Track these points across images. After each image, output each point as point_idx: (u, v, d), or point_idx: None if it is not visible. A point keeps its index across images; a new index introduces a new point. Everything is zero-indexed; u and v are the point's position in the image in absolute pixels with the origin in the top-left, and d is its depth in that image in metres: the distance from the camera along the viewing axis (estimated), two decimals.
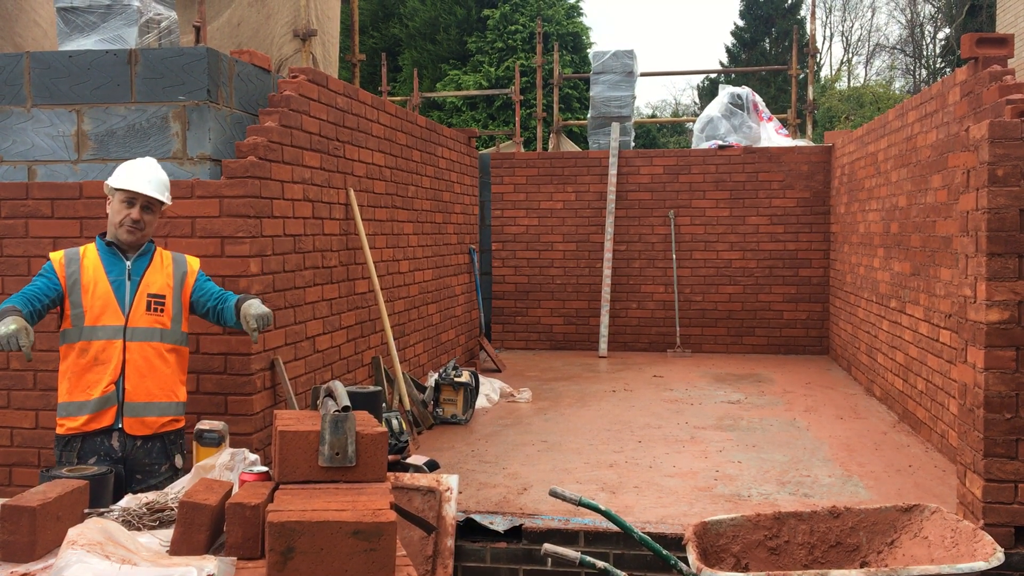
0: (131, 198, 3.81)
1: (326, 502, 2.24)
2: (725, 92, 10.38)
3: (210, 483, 2.42)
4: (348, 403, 2.50)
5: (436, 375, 6.87)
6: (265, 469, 2.57)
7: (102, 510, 2.44)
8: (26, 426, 4.75)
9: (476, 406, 6.91)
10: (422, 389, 6.75)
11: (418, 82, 13.27)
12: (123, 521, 2.39)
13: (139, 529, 2.39)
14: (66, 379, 3.78)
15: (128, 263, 3.83)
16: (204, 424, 2.87)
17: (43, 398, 4.71)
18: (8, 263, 4.74)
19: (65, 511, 2.28)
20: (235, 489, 2.49)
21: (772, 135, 10.14)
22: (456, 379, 6.65)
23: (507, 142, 13.88)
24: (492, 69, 19.71)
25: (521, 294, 10.09)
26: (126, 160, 4.73)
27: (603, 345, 9.59)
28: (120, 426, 3.74)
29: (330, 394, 2.74)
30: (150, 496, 2.61)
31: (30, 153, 4.85)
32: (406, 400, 6.23)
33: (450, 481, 4.46)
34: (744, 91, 10.30)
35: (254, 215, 4.63)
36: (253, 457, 2.77)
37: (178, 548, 2.22)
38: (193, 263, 4.06)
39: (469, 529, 4.43)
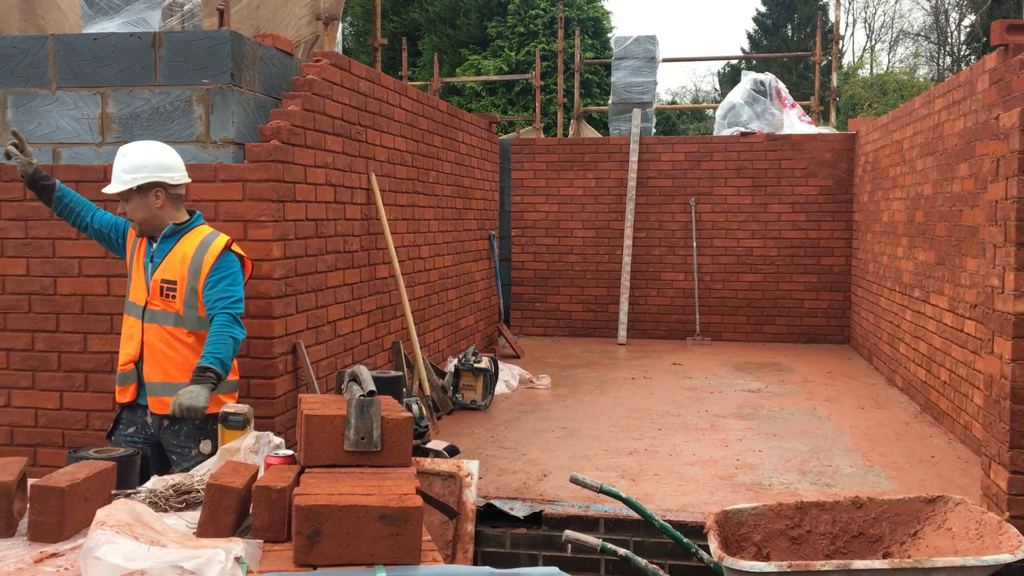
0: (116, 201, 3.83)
1: (352, 486, 2.24)
2: (748, 78, 10.29)
3: (236, 466, 2.43)
4: (374, 388, 2.50)
5: (456, 361, 6.88)
6: (290, 453, 2.58)
7: (129, 491, 2.46)
8: (50, 407, 4.79)
9: (495, 392, 6.91)
10: (441, 375, 6.76)
11: (438, 67, 13.22)
12: (150, 503, 2.41)
13: (166, 511, 2.40)
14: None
15: (154, 246, 3.84)
16: (229, 407, 2.88)
17: (67, 379, 4.75)
18: (33, 245, 4.78)
19: (93, 492, 2.29)
20: (261, 472, 2.50)
21: (795, 122, 10.05)
22: (476, 365, 6.65)
23: (527, 128, 13.82)
24: (512, 54, 19.62)
25: (540, 280, 10.07)
26: None
27: (622, 332, 9.57)
28: (145, 404, 3.80)
29: (354, 378, 2.74)
30: (176, 478, 2.62)
31: (55, 135, 4.87)
32: (426, 385, 6.24)
33: (470, 467, 4.47)
34: (767, 77, 10.21)
35: (277, 199, 4.64)
36: (278, 440, 2.78)
37: (205, 530, 2.23)
38: (212, 254, 3.76)
39: (489, 515, 4.44)
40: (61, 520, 2.17)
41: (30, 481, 2.30)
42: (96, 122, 4.82)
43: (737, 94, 10.26)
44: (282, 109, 4.95)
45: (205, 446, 3.68)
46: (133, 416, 3.85)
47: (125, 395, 3.83)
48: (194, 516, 2.37)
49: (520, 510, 4.42)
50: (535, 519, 4.41)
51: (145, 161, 3.76)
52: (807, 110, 10.94)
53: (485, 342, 8.98)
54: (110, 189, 3.77)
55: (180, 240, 3.82)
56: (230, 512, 2.24)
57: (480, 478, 4.58)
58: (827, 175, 9.46)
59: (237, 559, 2.00)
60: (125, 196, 3.75)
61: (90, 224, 4.01)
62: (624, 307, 9.61)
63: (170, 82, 4.74)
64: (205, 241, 3.82)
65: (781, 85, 10.31)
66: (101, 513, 2.04)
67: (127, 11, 5.34)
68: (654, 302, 9.82)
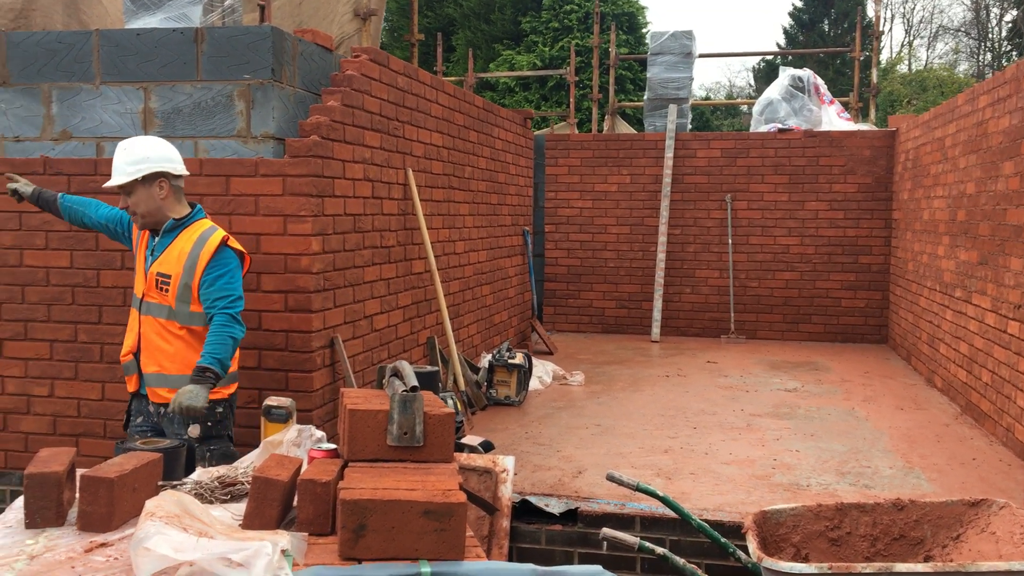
0: (117, 193, 3.87)
1: (396, 481, 2.25)
2: (786, 74, 10.18)
3: (281, 459, 2.45)
4: (416, 383, 2.50)
5: (490, 356, 6.88)
6: (333, 447, 2.60)
7: (175, 483, 2.49)
8: (93, 397, 4.86)
9: (529, 388, 6.91)
10: (476, 370, 6.77)
11: (472, 62, 13.22)
12: (195, 494, 2.43)
13: (211, 502, 2.43)
14: None
15: (155, 240, 3.89)
16: (272, 400, 2.91)
17: (109, 370, 4.81)
18: (77, 237, 4.84)
19: (141, 483, 2.32)
20: (304, 466, 2.52)
21: (834, 119, 9.93)
22: (510, 361, 6.66)
23: (561, 123, 13.79)
24: (546, 49, 19.58)
25: (573, 277, 10.05)
26: (192, 137, 4.84)
27: (656, 329, 9.52)
28: (144, 393, 3.89)
29: (395, 373, 2.75)
30: (221, 470, 2.65)
31: (98, 130, 4.93)
32: (461, 381, 6.26)
33: (506, 462, 4.47)
34: (805, 74, 10.10)
35: (316, 194, 4.66)
36: (320, 434, 2.80)
37: (250, 522, 2.25)
38: (207, 250, 3.78)
39: (524, 510, 4.44)
40: (110, 510, 2.20)
41: (78, 471, 2.34)
42: (139, 116, 4.87)
43: (774, 90, 10.15)
44: (322, 104, 4.98)
45: (193, 430, 3.71)
46: (140, 406, 3.94)
47: (130, 385, 3.95)
48: (239, 508, 2.39)
49: (556, 507, 4.41)
50: (571, 516, 4.40)
51: (148, 153, 3.82)
52: (845, 106, 10.80)
53: (518, 338, 8.98)
54: (115, 181, 3.78)
55: (179, 235, 3.86)
56: (275, 505, 2.25)
57: (515, 474, 4.58)
58: (866, 172, 9.34)
59: (283, 552, 2.01)
60: (129, 188, 3.78)
61: (95, 219, 4.15)
62: (658, 304, 9.57)
63: (212, 77, 4.79)
64: (202, 237, 3.83)
65: (820, 81, 10.19)
66: (150, 504, 2.07)
67: (169, 6, 5.40)
68: (688, 299, 9.76)
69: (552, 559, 4.34)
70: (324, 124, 4.80)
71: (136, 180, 3.76)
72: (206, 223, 3.92)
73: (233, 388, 3.96)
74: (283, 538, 2.06)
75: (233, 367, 3.91)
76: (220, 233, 3.85)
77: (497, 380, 6.67)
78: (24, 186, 4.17)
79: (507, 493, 4.33)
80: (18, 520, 2.26)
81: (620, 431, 5.80)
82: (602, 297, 9.99)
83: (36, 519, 2.21)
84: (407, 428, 2.43)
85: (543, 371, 7.43)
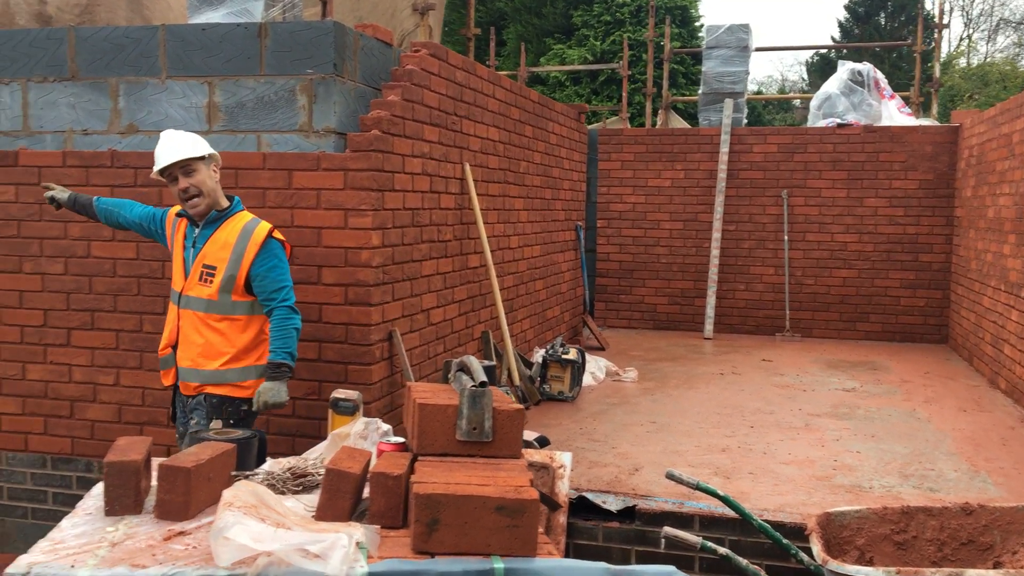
0: (171, 176, 3.86)
1: (467, 476, 2.25)
2: (845, 68, 10.00)
3: (351, 451, 2.47)
4: (485, 379, 2.50)
5: (543, 351, 6.88)
6: (401, 440, 2.61)
7: (248, 473, 2.52)
8: (157, 387, 4.93)
9: (582, 384, 6.88)
10: (529, 365, 6.77)
11: (524, 56, 13.19)
12: (268, 485, 2.46)
13: (283, 493, 2.45)
14: None
15: (196, 231, 3.92)
16: (340, 393, 2.93)
17: None
18: None
19: (216, 472, 2.36)
20: (373, 459, 2.53)
21: (894, 114, 9.73)
22: (564, 356, 6.64)
23: (613, 118, 13.71)
24: (598, 43, 19.47)
25: (625, 272, 9.99)
26: (255, 132, 4.89)
27: (708, 326, 9.43)
28: (177, 385, 3.95)
29: (462, 368, 2.76)
30: (291, 461, 2.68)
31: (164, 123, 5.00)
32: (515, 375, 6.26)
33: (563, 458, 4.46)
34: (865, 67, 9.90)
35: (377, 188, 4.69)
36: (386, 427, 2.81)
37: (323, 514, 2.27)
38: (255, 241, 3.83)
39: (581, 507, 4.42)
40: (187, 499, 2.23)
41: (156, 460, 2.38)
42: (203, 111, 4.94)
43: (833, 84, 9.97)
44: (383, 99, 5.00)
45: (216, 424, 3.70)
46: (182, 400, 3.99)
47: (167, 379, 4.00)
48: (310, 499, 2.42)
49: (613, 504, 4.39)
50: (628, 513, 4.38)
51: (199, 138, 3.92)
52: (906, 101, 10.57)
53: (570, 333, 8.96)
54: (183, 155, 3.78)
55: (221, 226, 3.90)
56: (348, 497, 2.27)
57: (571, 470, 4.56)
58: (927, 169, 9.14)
59: (358, 544, 2.03)
60: (193, 167, 3.81)
61: (130, 219, 4.21)
62: (711, 300, 9.47)
63: (275, 72, 4.83)
64: (247, 228, 3.87)
65: (880, 75, 9.99)
66: (227, 494, 2.09)
67: (231, 1, 5.46)
68: (742, 296, 9.65)
69: (609, 556, 4.32)
70: (385, 119, 4.82)
71: (202, 157, 3.83)
72: (247, 215, 3.98)
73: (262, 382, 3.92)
74: (357, 530, 2.08)
75: (264, 360, 3.88)
76: (265, 225, 3.91)
77: (551, 375, 6.66)
78: (60, 192, 4.27)
79: (564, 489, 4.32)
80: (97, 507, 2.31)
81: (675, 429, 5.75)
82: (654, 293, 9.92)
83: (115, 506, 2.25)
84: (476, 423, 2.44)
85: (596, 367, 7.40)
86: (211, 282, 3.81)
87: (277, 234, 3.94)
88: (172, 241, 4.05)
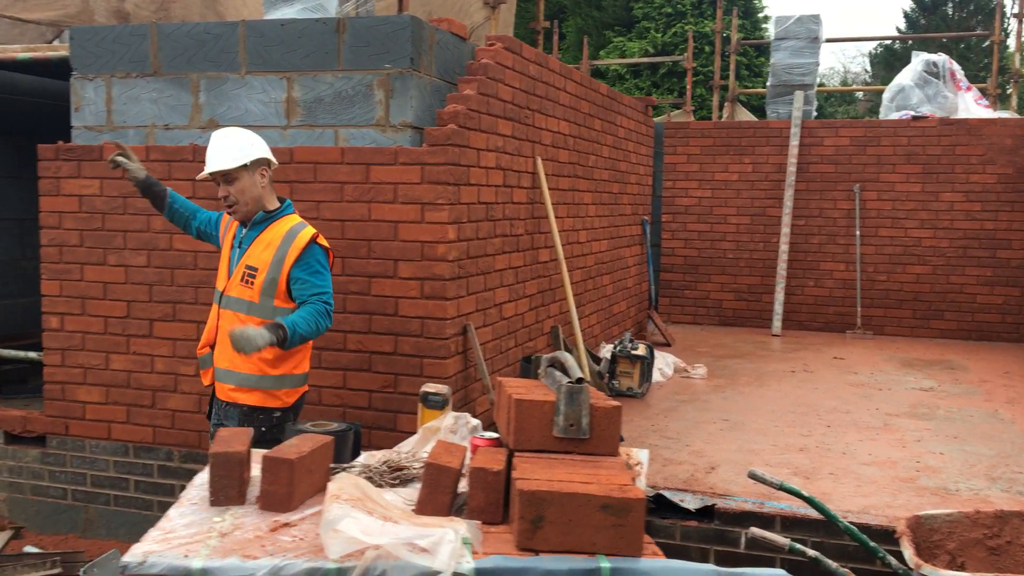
0: (215, 179, 3.80)
1: (568, 473, 2.23)
2: (919, 59, 9.73)
3: (448, 446, 2.46)
4: (581, 375, 2.48)
5: (611, 347, 6.83)
6: (495, 435, 2.60)
7: (345, 466, 2.53)
8: None
9: (651, 380, 6.82)
10: (597, 360, 6.73)
11: (586, 49, 13.11)
12: (366, 477, 2.47)
13: (381, 486, 2.46)
14: None
15: (243, 231, 3.87)
16: (430, 387, 2.94)
17: None
18: None
19: (316, 464, 2.37)
20: (467, 453, 2.53)
21: (971, 106, 9.45)
22: (633, 352, 6.59)
23: (676, 111, 13.56)
24: (658, 35, 19.27)
25: (690, 267, 9.88)
26: (332, 126, 4.93)
27: (776, 323, 9.28)
28: (214, 386, 3.90)
29: (553, 364, 2.74)
30: (385, 454, 2.68)
31: (243, 118, 5.06)
32: (586, 371, 6.22)
33: (640, 456, 4.38)
34: (940, 59, 9.63)
35: (453, 182, 4.69)
36: (475, 422, 2.81)
37: (423, 508, 2.27)
38: (296, 246, 3.74)
39: (657, 505, 4.38)
40: (290, 490, 2.25)
41: (261, 452, 2.40)
42: (282, 106, 4.99)
43: (906, 76, 9.72)
44: (458, 93, 5.00)
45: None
46: (215, 400, 3.92)
47: (205, 378, 3.94)
48: (407, 492, 2.42)
49: (691, 503, 4.34)
50: (706, 512, 4.32)
51: (251, 140, 3.82)
52: (983, 93, 10.26)
53: (635, 329, 8.89)
54: (222, 165, 3.70)
55: (268, 227, 3.82)
56: (447, 491, 2.27)
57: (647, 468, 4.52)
58: (1007, 162, 8.86)
59: (463, 539, 2.02)
60: (235, 175, 3.73)
61: (196, 225, 4.13)
62: (779, 297, 9.31)
63: (352, 67, 4.86)
64: (292, 232, 3.78)
65: (956, 66, 9.71)
66: (333, 486, 2.10)
67: None
68: (811, 292, 9.47)
69: (687, 555, 4.27)
70: (461, 113, 4.82)
71: (244, 166, 3.72)
72: (295, 218, 3.89)
73: (298, 395, 3.86)
74: (461, 526, 2.07)
75: (303, 368, 3.85)
76: (310, 230, 3.81)
77: (619, 371, 6.61)
78: (138, 169, 4.09)
79: (641, 486, 4.26)
80: (201, 497, 2.34)
81: (749, 427, 5.66)
82: (720, 289, 9.79)
83: (220, 497, 2.28)
84: (573, 420, 2.41)
85: (664, 363, 7.33)
86: (252, 284, 3.73)
87: (321, 240, 3.84)
88: (223, 241, 4.01)
